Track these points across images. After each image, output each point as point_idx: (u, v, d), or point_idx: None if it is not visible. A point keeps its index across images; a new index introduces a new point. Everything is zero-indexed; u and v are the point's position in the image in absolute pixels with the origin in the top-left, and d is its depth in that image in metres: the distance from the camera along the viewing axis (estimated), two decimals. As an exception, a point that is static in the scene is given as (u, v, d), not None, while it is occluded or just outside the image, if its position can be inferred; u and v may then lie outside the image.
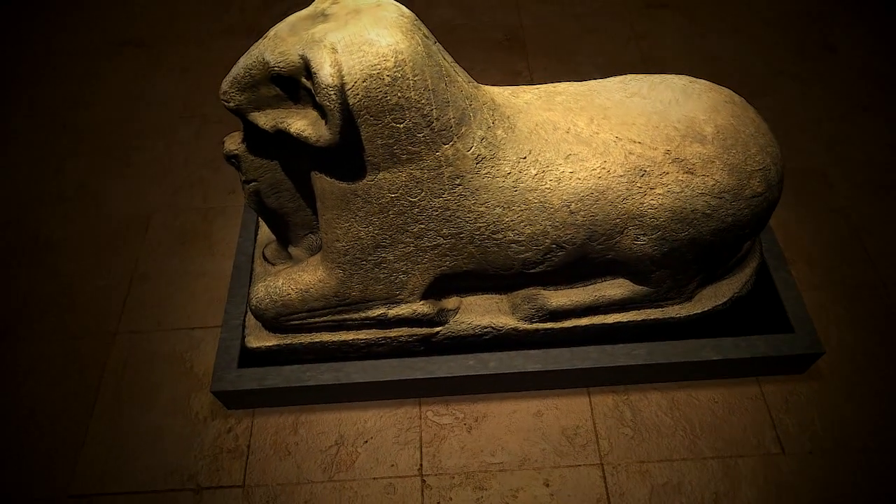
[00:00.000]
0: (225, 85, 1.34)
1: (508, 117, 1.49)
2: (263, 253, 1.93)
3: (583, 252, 1.57)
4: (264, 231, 2.00)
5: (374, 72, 1.22)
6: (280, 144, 1.44)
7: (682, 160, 1.48)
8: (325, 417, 1.92)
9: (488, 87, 1.57)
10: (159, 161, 2.65)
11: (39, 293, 2.26)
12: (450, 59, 1.39)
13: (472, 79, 1.48)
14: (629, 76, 1.67)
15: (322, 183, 1.45)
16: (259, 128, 1.37)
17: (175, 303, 2.21)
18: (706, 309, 1.78)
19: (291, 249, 1.85)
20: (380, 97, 1.25)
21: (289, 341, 1.79)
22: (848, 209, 2.35)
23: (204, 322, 2.15)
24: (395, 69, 1.23)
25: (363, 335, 1.77)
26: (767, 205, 1.57)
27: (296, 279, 1.66)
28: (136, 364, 2.07)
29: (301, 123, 1.30)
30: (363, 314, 1.70)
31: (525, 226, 1.50)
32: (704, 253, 1.61)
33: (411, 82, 1.26)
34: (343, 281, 1.61)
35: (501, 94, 1.56)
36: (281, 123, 1.33)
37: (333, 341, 1.78)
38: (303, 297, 1.66)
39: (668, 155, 1.48)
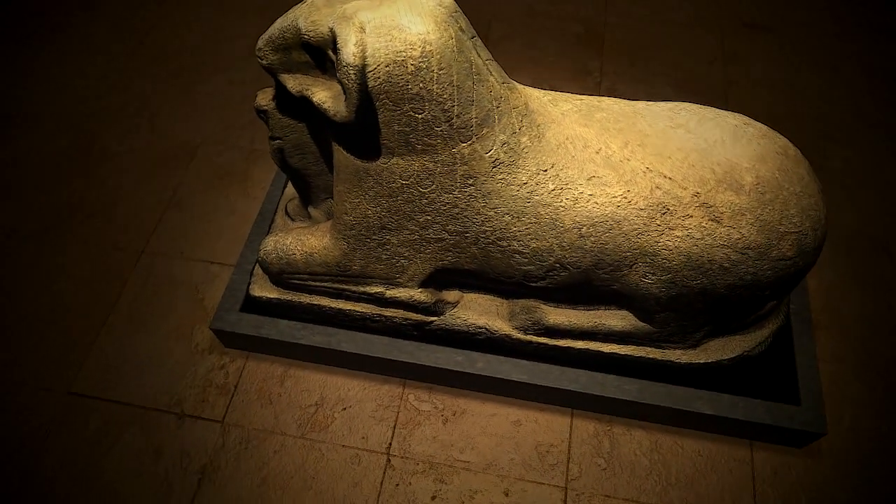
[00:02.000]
0: (261, 42, 1.35)
1: (538, 126, 1.44)
2: (286, 207, 1.97)
3: (587, 277, 1.52)
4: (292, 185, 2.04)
5: (399, 58, 1.20)
6: (306, 109, 1.45)
7: (711, 206, 1.39)
8: (311, 376, 1.97)
9: (527, 89, 1.52)
10: (218, 95, 2.72)
11: (84, 200, 2.40)
12: (486, 55, 1.35)
13: (508, 79, 1.43)
14: (682, 104, 1.57)
15: (339, 155, 1.45)
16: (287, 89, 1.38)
17: (201, 235, 2.30)
18: (710, 360, 1.70)
19: (311, 209, 1.87)
20: (401, 84, 1.23)
21: (289, 297, 1.83)
22: (903, 287, 2.17)
23: (223, 259, 2.23)
24: (420, 59, 1.21)
25: (360, 308, 1.79)
26: (796, 271, 1.47)
27: (304, 241, 1.69)
28: (154, 285, 2.17)
29: (324, 94, 1.30)
30: (361, 288, 1.72)
31: (531, 239, 1.47)
32: (716, 305, 1.53)
33: (435, 75, 1.23)
34: (346, 253, 1.63)
35: (539, 99, 1.50)
36: (306, 90, 1.33)
37: (331, 307, 1.81)
38: (307, 260, 1.69)
39: (696, 198, 1.40)
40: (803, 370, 1.77)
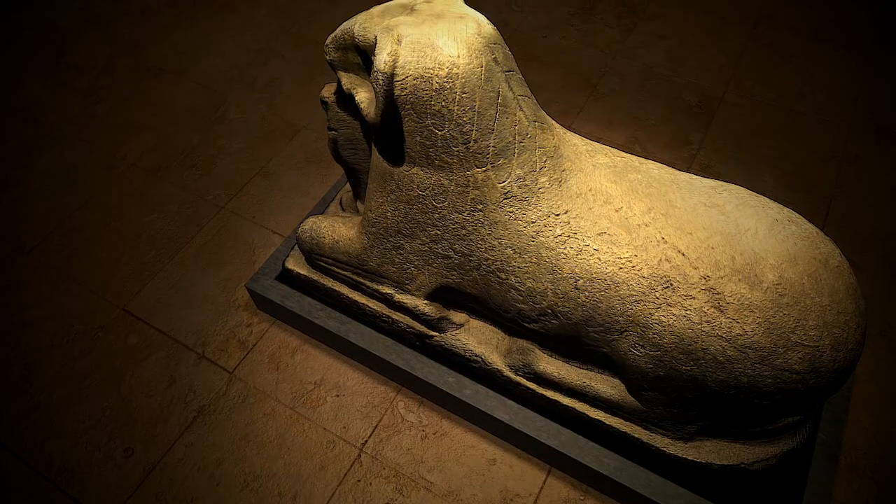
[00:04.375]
0: (328, 38, 1.49)
1: (563, 171, 1.45)
2: (341, 197, 2.11)
3: (577, 332, 1.48)
4: (353, 179, 2.18)
5: (427, 74, 1.28)
6: (357, 107, 1.57)
7: (718, 293, 1.31)
8: (319, 357, 2.07)
9: (567, 134, 1.53)
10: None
11: (195, 151, 2.72)
12: (521, 91, 1.38)
13: (545, 120, 1.45)
14: (729, 185, 1.50)
15: (374, 155, 1.55)
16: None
17: (274, 205, 2.51)
18: (699, 460, 1.58)
19: (359, 203, 1.99)
20: (425, 99, 1.31)
21: (315, 277, 1.96)
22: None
23: (283, 231, 2.42)
24: (445, 79, 1.27)
25: (372, 304, 1.87)
26: (805, 389, 1.33)
27: (335, 228, 1.81)
28: (221, 238, 2.41)
29: (364, 95, 1.41)
30: (375, 286, 1.80)
31: (528, 278, 1.46)
32: (707, 401, 1.42)
33: (458, 97, 1.29)
34: (366, 248, 1.72)
35: (575, 146, 1.51)
36: (353, 89, 1.45)
37: (348, 297, 1.91)
38: (333, 246, 1.80)
39: (704, 280, 1.33)
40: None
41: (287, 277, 2.06)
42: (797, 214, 1.45)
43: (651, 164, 1.55)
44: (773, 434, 1.58)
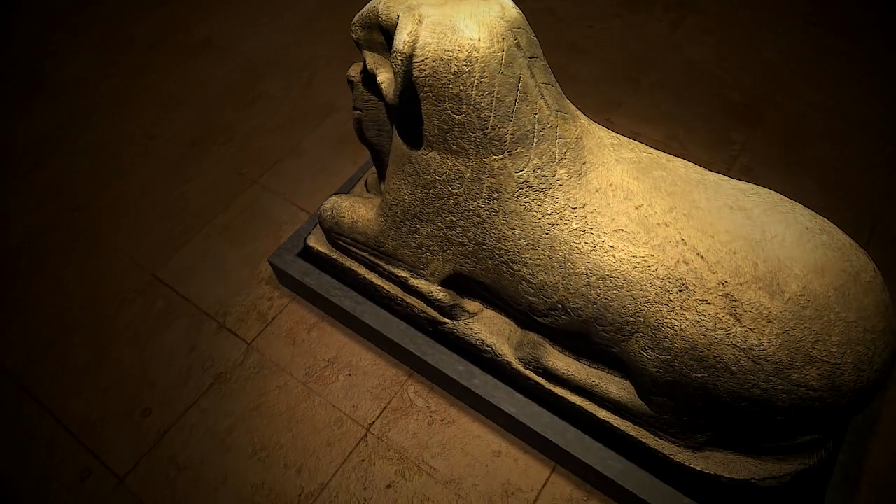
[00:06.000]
0: (355, 17, 1.48)
1: (584, 163, 1.41)
2: (367, 178, 2.12)
3: (587, 329, 1.45)
4: (380, 162, 2.18)
5: (446, 57, 1.26)
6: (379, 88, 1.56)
7: (735, 301, 1.26)
8: (335, 335, 2.09)
9: (592, 126, 1.48)
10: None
11: (231, 127, 2.77)
12: (544, 80, 1.35)
13: (569, 110, 1.41)
14: (760, 189, 1.43)
15: (395, 137, 1.55)
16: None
17: (304, 183, 2.54)
18: (707, 470, 1.52)
19: (382, 185, 1.99)
20: (444, 82, 1.29)
21: (334, 256, 1.97)
22: None
23: (311, 208, 2.44)
24: (464, 62, 1.25)
25: (388, 287, 1.88)
26: (822, 407, 1.27)
27: (355, 208, 1.81)
28: (250, 212, 2.46)
29: (385, 75, 1.40)
30: (391, 268, 1.80)
31: (540, 271, 1.44)
32: (718, 411, 1.37)
33: (476, 81, 1.26)
34: (383, 230, 1.72)
35: (600, 139, 1.46)
36: (375, 69, 1.44)
37: (365, 278, 1.92)
38: (351, 226, 1.81)
39: (722, 286, 1.27)
40: (822, 530, 1.51)
41: (308, 254, 2.08)
42: (831, 224, 1.38)
43: (679, 162, 1.50)
44: (789, 451, 1.51)
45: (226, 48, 3.14)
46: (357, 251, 1.87)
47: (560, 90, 1.43)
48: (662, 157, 1.50)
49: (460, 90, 1.28)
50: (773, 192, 1.44)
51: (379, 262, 1.82)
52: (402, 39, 1.25)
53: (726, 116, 2.66)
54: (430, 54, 1.26)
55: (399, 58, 1.25)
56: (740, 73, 2.82)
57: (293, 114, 2.81)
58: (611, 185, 1.41)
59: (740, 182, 1.46)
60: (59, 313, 2.21)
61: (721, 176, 1.47)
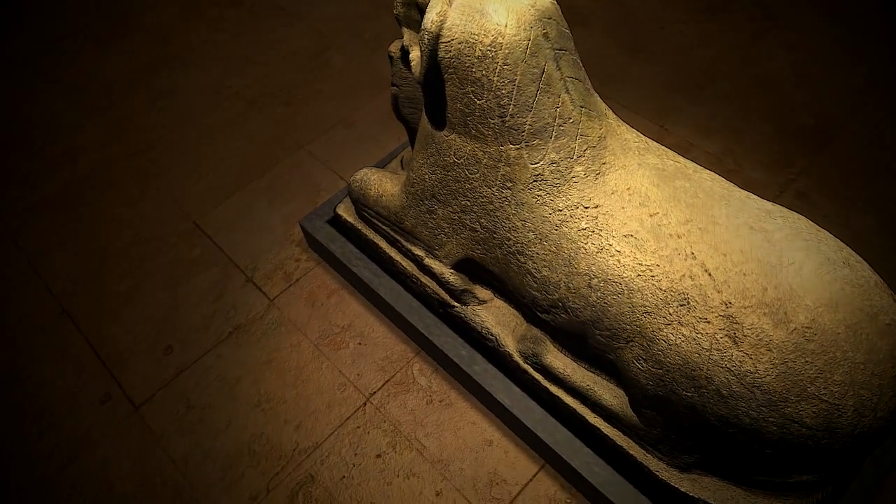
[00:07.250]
0: (397, -7, 1.50)
1: (603, 164, 1.38)
2: (402, 155, 2.14)
3: (584, 331, 1.43)
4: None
5: (472, 40, 1.25)
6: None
7: (736, 323, 1.21)
8: (352, 303, 2.15)
9: (620, 126, 1.45)
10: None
11: (296, 91, 2.86)
12: (570, 73, 1.32)
13: (596, 107, 1.38)
14: (789, 212, 1.36)
15: (423, 116, 1.56)
16: (405, 42, 1.52)
17: (348, 153, 2.60)
18: (691, 493, 1.48)
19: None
20: (467, 65, 1.29)
21: (359, 227, 2.02)
22: None
23: (349, 177, 2.49)
24: (488, 48, 1.24)
25: (405, 263, 1.90)
26: (815, 446, 1.21)
27: (382, 182, 1.85)
28: (293, 175, 2.54)
29: (416, 53, 1.41)
30: (408, 245, 1.82)
31: (545, 266, 1.42)
32: (705, 434, 1.32)
33: (499, 68, 1.25)
34: (404, 207, 1.74)
35: (625, 141, 1.43)
36: (409, 45, 1.46)
37: (385, 252, 1.95)
38: (376, 200, 1.84)
39: (725, 307, 1.22)
40: (807, 576, 1.44)
41: (336, 222, 2.13)
42: (859, 258, 1.30)
43: (706, 174, 1.44)
44: (782, 489, 1.45)
45: (299, 14, 3.22)
46: (379, 224, 1.90)
47: (590, 86, 1.40)
48: (690, 167, 1.45)
49: (483, 75, 1.28)
50: (802, 217, 1.36)
51: (398, 237, 1.85)
52: (430, 18, 1.26)
53: (791, 138, 2.52)
54: (456, 36, 1.27)
55: (426, 36, 1.26)
56: (816, 94, 2.66)
57: (351, 84, 2.87)
58: (628, 188, 1.38)
59: (769, 203, 1.39)
60: (106, 247, 2.37)
61: (749, 194, 1.41)
